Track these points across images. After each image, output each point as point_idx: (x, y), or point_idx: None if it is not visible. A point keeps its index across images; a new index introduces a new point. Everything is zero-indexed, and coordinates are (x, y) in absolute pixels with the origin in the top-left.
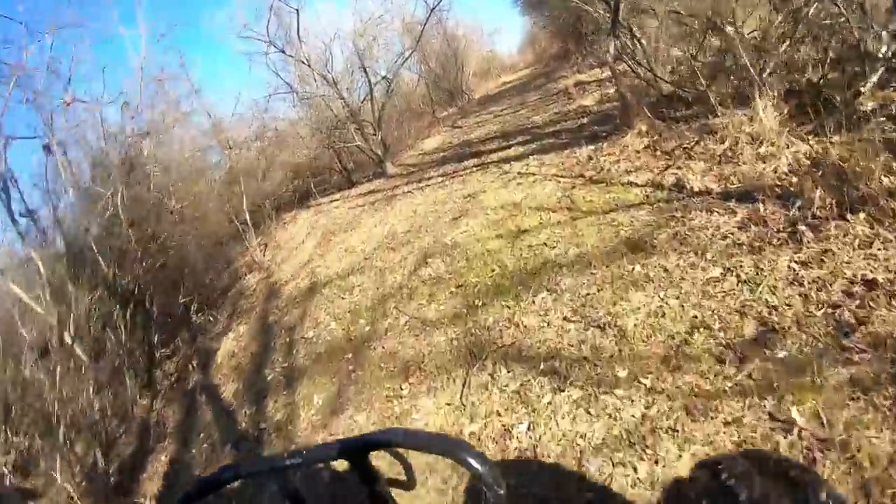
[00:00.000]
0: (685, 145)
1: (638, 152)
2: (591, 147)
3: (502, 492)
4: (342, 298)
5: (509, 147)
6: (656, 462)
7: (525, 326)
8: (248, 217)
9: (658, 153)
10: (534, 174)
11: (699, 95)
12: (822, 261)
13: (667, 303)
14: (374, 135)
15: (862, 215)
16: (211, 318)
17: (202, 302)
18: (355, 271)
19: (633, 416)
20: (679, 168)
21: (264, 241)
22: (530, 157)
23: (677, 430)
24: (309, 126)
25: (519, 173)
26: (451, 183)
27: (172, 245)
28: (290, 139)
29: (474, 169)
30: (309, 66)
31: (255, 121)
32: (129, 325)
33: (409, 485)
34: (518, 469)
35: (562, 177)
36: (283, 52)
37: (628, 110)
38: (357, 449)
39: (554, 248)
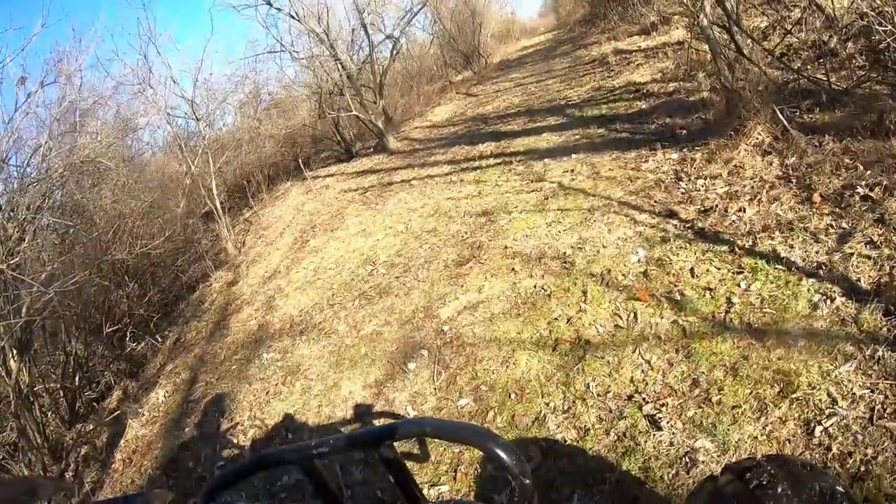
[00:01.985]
0: (860, 186)
1: (765, 182)
2: (672, 153)
3: (528, 482)
4: (278, 381)
5: (539, 132)
6: None
7: None
8: (217, 204)
9: (808, 190)
10: (586, 193)
11: (846, 89)
12: None
13: None
14: (375, 102)
15: None
16: (151, 347)
17: (143, 322)
18: (310, 325)
19: None
20: (872, 241)
21: (249, 221)
22: (573, 154)
23: None
24: (304, 91)
25: (560, 185)
26: (461, 180)
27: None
28: (286, 104)
29: (492, 160)
30: (298, 20)
31: (243, 84)
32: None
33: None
34: None
35: (638, 209)
36: (270, 4)
37: (734, 103)
38: (384, 437)
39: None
